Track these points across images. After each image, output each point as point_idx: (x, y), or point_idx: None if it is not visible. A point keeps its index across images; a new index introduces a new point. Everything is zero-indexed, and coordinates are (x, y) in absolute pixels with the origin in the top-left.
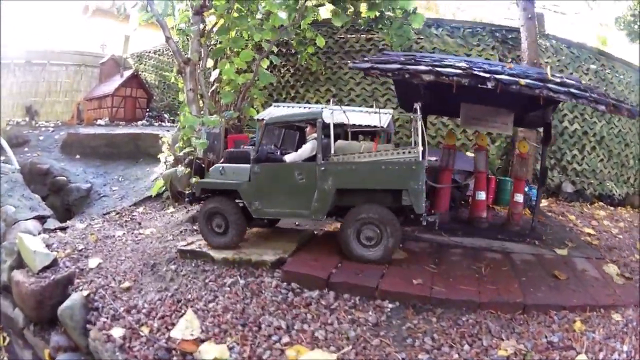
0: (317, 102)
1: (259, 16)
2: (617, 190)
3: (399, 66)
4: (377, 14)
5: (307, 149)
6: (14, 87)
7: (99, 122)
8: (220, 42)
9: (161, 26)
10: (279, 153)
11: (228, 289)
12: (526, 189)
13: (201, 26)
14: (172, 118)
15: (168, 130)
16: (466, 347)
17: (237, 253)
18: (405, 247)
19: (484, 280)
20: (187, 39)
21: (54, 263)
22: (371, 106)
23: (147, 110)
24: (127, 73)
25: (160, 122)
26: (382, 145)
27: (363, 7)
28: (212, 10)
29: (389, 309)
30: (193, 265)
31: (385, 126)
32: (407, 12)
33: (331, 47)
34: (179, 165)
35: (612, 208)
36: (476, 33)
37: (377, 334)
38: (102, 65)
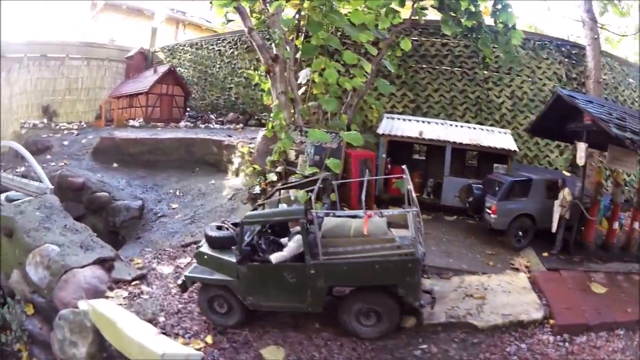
0: (392, 107)
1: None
2: None
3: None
4: (475, 23)
5: (292, 248)
6: (28, 84)
7: (132, 123)
8: (308, 39)
9: (241, 15)
10: (263, 246)
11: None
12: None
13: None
14: (220, 119)
15: (230, 136)
16: None
17: (502, 317)
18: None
19: None
20: (268, 31)
21: None
22: (451, 114)
23: (188, 109)
24: (162, 68)
25: (206, 124)
26: (372, 222)
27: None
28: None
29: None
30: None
31: (513, 149)
32: (508, 27)
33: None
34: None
35: None
36: (545, 46)
37: None
38: (128, 60)
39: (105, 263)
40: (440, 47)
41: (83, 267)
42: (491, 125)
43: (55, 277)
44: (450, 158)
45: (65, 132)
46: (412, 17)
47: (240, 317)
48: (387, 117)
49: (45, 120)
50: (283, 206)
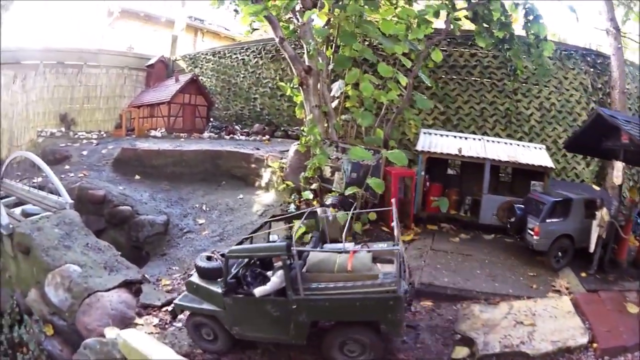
0: (423, 119)
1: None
2: None
3: None
4: (507, 34)
5: (276, 283)
6: (45, 91)
7: (154, 133)
8: (337, 50)
9: (272, 24)
10: (249, 278)
11: None
12: None
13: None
14: (245, 130)
15: (258, 148)
16: None
17: (552, 344)
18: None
19: None
20: (298, 41)
21: None
22: (481, 126)
23: (211, 120)
24: (185, 77)
25: (231, 135)
26: (357, 258)
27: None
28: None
29: None
30: None
31: (550, 166)
32: (539, 38)
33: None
34: (330, 208)
35: None
36: (570, 56)
37: None
38: (149, 68)
39: (132, 286)
40: (469, 58)
41: (108, 290)
42: (520, 137)
43: (78, 300)
44: (489, 175)
45: (84, 141)
46: (447, 28)
47: (226, 345)
48: (425, 133)
49: (63, 129)
50: (274, 238)
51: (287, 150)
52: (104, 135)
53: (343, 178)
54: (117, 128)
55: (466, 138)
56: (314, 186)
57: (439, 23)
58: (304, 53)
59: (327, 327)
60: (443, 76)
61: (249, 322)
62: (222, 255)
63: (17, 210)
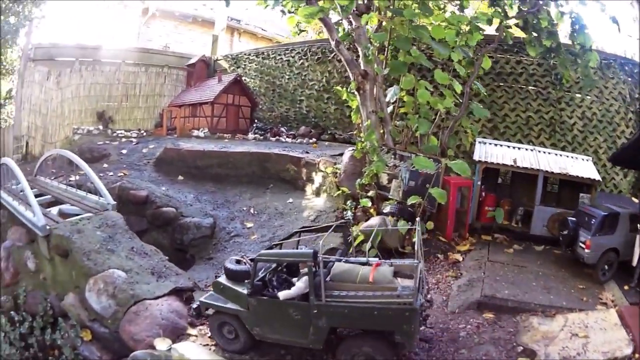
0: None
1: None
2: None
3: None
4: (554, 44)
5: (300, 288)
6: (81, 89)
7: (196, 133)
8: (394, 55)
9: (328, 27)
10: (275, 282)
11: None
12: None
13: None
14: (291, 133)
15: (307, 152)
16: None
17: (603, 355)
18: None
19: None
20: (352, 45)
21: None
22: (527, 135)
23: (255, 121)
24: (228, 77)
25: (277, 137)
26: (379, 270)
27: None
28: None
29: None
30: None
31: (597, 179)
32: (585, 49)
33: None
34: (388, 216)
35: None
36: (610, 65)
37: None
38: (190, 67)
39: (182, 294)
40: (515, 65)
41: (157, 298)
42: (563, 147)
43: (123, 307)
44: (541, 186)
45: (123, 139)
46: (500, 36)
47: (246, 345)
48: (480, 142)
49: (100, 127)
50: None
51: (338, 155)
52: (144, 134)
53: (401, 186)
54: (157, 127)
55: (519, 148)
56: (370, 193)
57: (487, 30)
58: (357, 57)
59: (343, 337)
60: (490, 83)
61: (270, 324)
62: (252, 260)
63: (54, 210)
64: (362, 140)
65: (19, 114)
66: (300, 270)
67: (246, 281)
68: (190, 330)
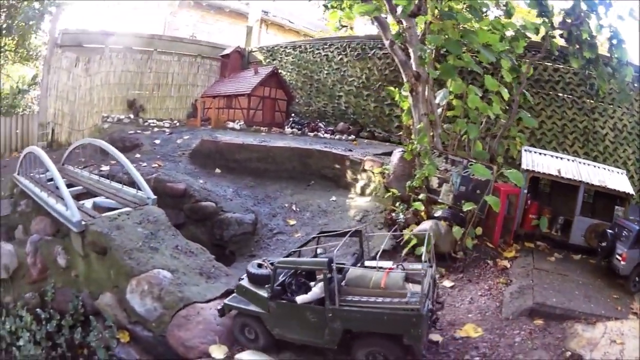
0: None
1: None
2: None
3: None
4: (593, 56)
5: (316, 293)
6: (112, 76)
7: (231, 125)
8: (444, 57)
9: (382, 26)
10: (293, 287)
11: None
12: None
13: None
14: (330, 129)
15: (350, 150)
16: None
17: None
18: None
19: None
20: (404, 46)
21: None
22: (562, 143)
23: (292, 115)
24: (265, 70)
25: (315, 132)
26: (391, 276)
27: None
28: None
29: None
30: None
31: (631, 192)
32: (621, 62)
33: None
34: (441, 221)
35: None
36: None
37: None
38: (224, 58)
39: None
40: (552, 73)
41: (208, 301)
42: (595, 157)
43: (170, 311)
44: (582, 197)
45: (156, 129)
46: (546, 46)
47: (266, 344)
48: (526, 150)
49: (131, 116)
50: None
51: (382, 154)
52: (177, 124)
53: (451, 191)
54: (189, 117)
55: (561, 158)
56: (421, 196)
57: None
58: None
59: (358, 336)
60: (528, 89)
61: (288, 325)
62: (272, 264)
63: (88, 203)
64: (414, 142)
65: (44, 101)
66: (317, 276)
67: (267, 286)
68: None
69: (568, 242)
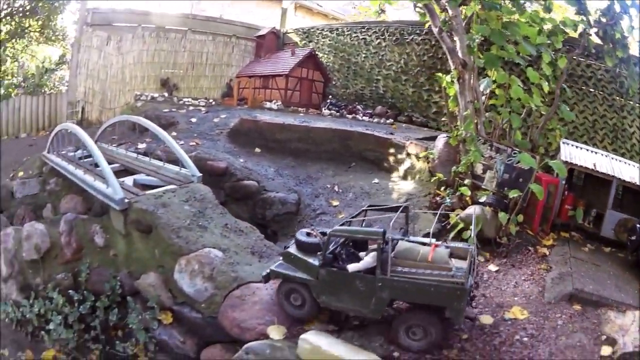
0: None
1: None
2: None
3: None
4: (625, 56)
5: (368, 262)
6: (144, 55)
7: (268, 105)
8: (488, 48)
9: (430, 13)
10: (344, 256)
11: None
12: None
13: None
14: (368, 112)
15: (392, 133)
16: None
17: None
18: None
19: None
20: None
21: None
22: (592, 138)
23: (329, 97)
24: (302, 51)
25: (353, 115)
26: (437, 251)
27: None
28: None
29: None
30: None
31: None
32: None
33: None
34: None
35: None
36: None
37: None
38: (259, 39)
39: None
40: (585, 68)
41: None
42: (622, 154)
43: (223, 291)
44: (614, 192)
45: (191, 108)
46: (583, 43)
47: (311, 311)
48: (564, 143)
49: (165, 94)
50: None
51: (422, 139)
52: (212, 103)
53: (495, 177)
54: (223, 97)
55: (595, 152)
56: (466, 182)
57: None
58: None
59: (399, 310)
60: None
61: (336, 294)
62: (322, 233)
63: (128, 181)
64: (460, 128)
65: (73, 80)
66: (369, 247)
67: (318, 253)
68: None
69: (599, 234)
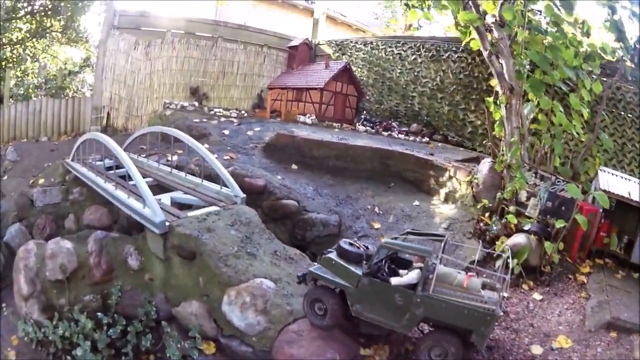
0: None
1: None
2: None
3: None
4: None
5: (412, 278)
6: (173, 62)
7: (302, 119)
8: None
9: (480, 36)
10: (386, 268)
11: None
12: None
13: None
14: (404, 129)
15: (432, 154)
16: None
17: None
18: None
19: None
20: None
21: None
22: (620, 161)
23: (363, 112)
24: (337, 64)
25: (388, 132)
26: (472, 280)
27: None
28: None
29: None
30: None
31: None
32: None
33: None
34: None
35: None
36: None
37: None
38: (291, 49)
39: None
40: (615, 90)
41: None
42: None
43: (277, 325)
44: None
45: (222, 119)
46: (621, 71)
47: (333, 322)
48: (601, 170)
49: (195, 103)
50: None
51: (462, 160)
52: (245, 114)
53: (538, 205)
54: (254, 108)
55: (628, 180)
56: (511, 209)
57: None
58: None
59: (423, 333)
60: (594, 105)
61: (371, 304)
62: (365, 246)
63: (165, 199)
64: (506, 154)
65: (99, 84)
66: (413, 264)
67: (361, 263)
68: (365, 351)
69: (630, 260)
